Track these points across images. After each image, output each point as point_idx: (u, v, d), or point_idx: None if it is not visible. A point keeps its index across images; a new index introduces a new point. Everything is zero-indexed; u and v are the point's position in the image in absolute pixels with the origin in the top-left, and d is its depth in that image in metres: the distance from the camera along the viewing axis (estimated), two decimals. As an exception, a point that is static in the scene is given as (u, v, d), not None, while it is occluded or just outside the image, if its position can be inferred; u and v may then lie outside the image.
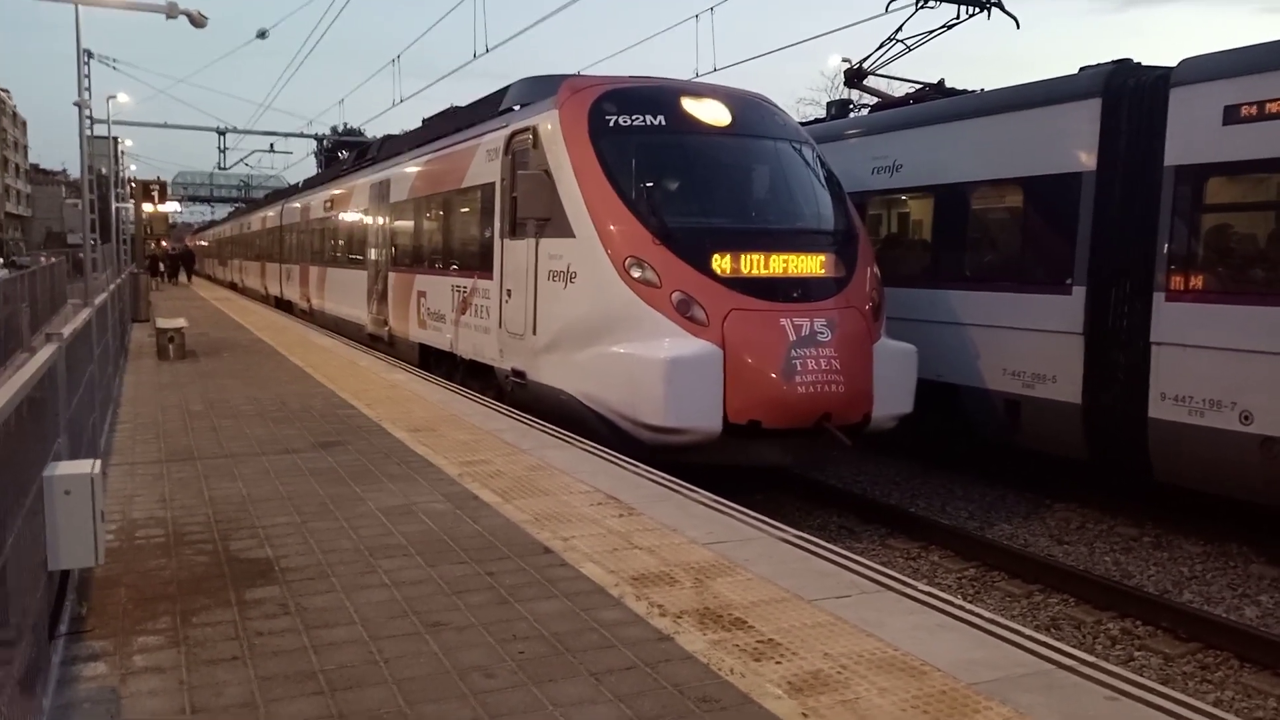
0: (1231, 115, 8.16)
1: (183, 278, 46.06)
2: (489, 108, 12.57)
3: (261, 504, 6.10)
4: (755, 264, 8.86)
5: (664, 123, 9.60)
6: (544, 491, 6.44)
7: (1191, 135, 8.49)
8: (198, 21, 17.89)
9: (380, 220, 16.78)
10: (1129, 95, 9.23)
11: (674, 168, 9.68)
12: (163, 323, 14.74)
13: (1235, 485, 8.37)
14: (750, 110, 10.21)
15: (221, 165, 41.30)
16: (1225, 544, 8.86)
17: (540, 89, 10.92)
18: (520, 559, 5.04)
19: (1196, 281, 8.52)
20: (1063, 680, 3.64)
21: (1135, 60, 9.76)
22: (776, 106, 10.75)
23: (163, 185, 34.33)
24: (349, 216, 19.39)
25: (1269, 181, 8.14)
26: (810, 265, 9.10)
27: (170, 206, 46.73)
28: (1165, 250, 8.71)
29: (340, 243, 20.30)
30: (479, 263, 11.67)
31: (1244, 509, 8.75)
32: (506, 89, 12.25)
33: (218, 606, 4.33)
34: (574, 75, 10.86)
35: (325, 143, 45.68)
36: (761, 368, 8.35)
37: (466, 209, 12.39)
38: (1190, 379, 8.44)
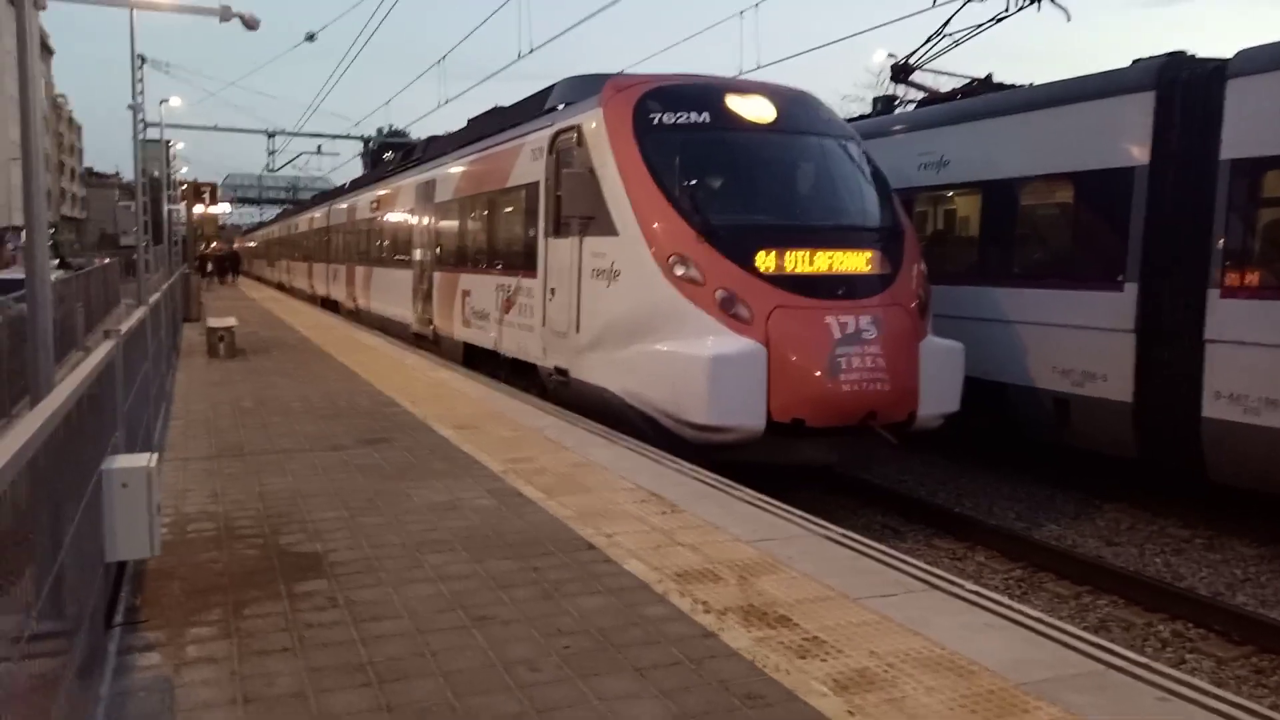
0: (1291, 107, 7.97)
1: (229, 278, 46.86)
2: (533, 107, 12.63)
3: (310, 499, 6.19)
4: (799, 261, 8.80)
5: (708, 120, 9.57)
6: (587, 488, 6.46)
7: (1249, 128, 8.30)
8: (250, 24, 18.18)
9: (425, 220, 16.93)
10: (1183, 88, 9.05)
11: (718, 165, 9.65)
12: (213, 322, 15.01)
13: (1293, 486, 8.17)
14: (794, 106, 10.14)
15: (270, 167, 42.03)
16: (1282, 546, 8.66)
17: (584, 88, 10.95)
18: (564, 555, 5.07)
19: (1253, 278, 8.33)
20: (1114, 681, 3.58)
21: (1189, 53, 9.57)
22: (821, 102, 10.67)
23: (213, 188, 34.98)
24: (394, 217, 19.59)
25: (1329, 175, 7.94)
26: (855, 262, 9.02)
27: (221, 208, 47.60)
28: (1220, 246, 8.53)
29: (386, 243, 20.52)
30: (523, 261, 11.73)
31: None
32: (550, 89, 12.30)
33: (268, 599, 4.40)
34: (617, 74, 10.88)
35: (371, 144, 46.25)
36: (806, 366, 8.30)
37: (511, 208, 12.46)
38: (1245, 377, 8.26)
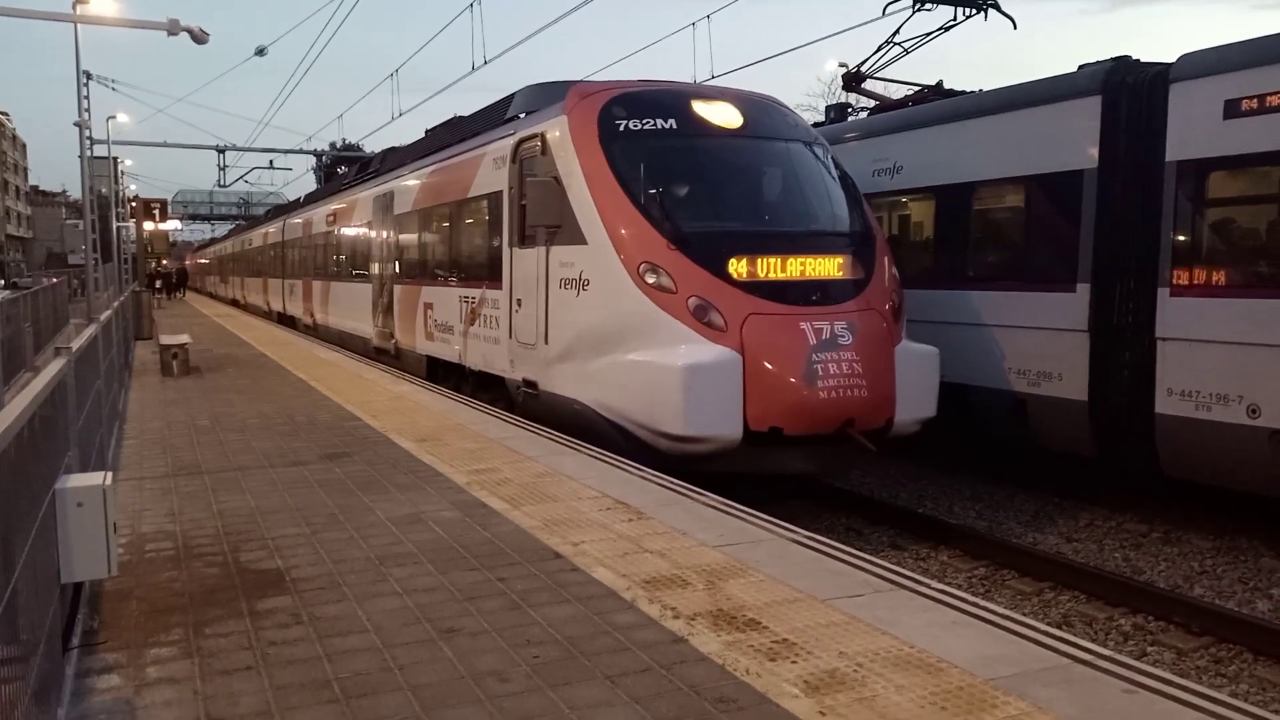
0: (1232, 109, 8.17)
1: (176, 294, 49.86)
2: (494, 116, 12.55)
3: (270, 515, 6.09)
4: (772, 267, 8.68)
5: (675, 126, 9.44)
6: (552, 498, 6.43)
7: (1192, 130, 8.50)
8: (199, 38, 17.97)
9: (384, 233, 16.79)
10: (1129, 91, 9.24)
11: (686, 171, 9.49)
12: (166, 339, 14.75)
13: (1244, 479, 8.35)
14: (761, 112, 10.06)
15: (221, 183, 41.41)
16: (1235, 538, 8.84)
17: (547, 95, 10.86)
18: (531, 564, 5.03)
19: (1201, 276, 8.51)
20: (1080, 674, 3.62)
21: (1134, 57, 9.77)
22: (787, 108, 10.62)
23: (163, 204, 34.45)
24: (352, 230, 19.41)
25: (1272, 174, 8.13)
26: (828, 267, 8.91)
27: (171, 225, 47.24)
28: (1169, 245, 8.71)
29: (343, 256, 20.32)
30: (487, 272, 11.62)
31: (1253, 502, 8.73)
32: (512, 97, 12.22)
33: (230, 617, 4.32)
34: (581, 81, 10.80)
35: (324, 158, 45.84)
36: (782, 373, 8.15)
37: (473, 219, 12.36)
38: (1197, 374, 8.44)
